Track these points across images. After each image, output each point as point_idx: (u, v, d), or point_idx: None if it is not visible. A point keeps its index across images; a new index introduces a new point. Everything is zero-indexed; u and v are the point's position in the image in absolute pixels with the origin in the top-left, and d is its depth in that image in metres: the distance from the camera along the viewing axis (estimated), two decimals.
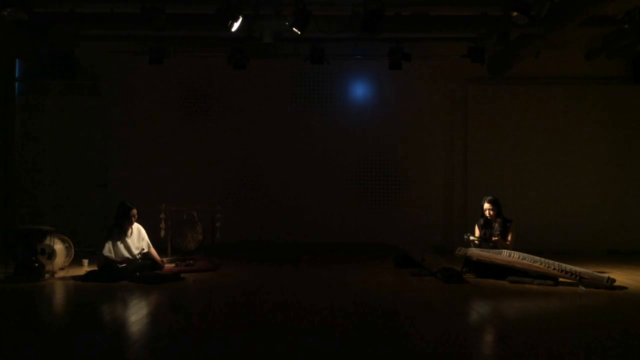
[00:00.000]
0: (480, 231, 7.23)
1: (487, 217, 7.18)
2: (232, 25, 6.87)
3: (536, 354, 3.98)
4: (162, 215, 7.87)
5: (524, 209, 9.43)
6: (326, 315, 5.08)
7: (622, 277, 6.95)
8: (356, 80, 9.83)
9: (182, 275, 6.86)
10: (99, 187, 9.55)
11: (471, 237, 7.09)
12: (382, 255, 8.50)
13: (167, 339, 4.34)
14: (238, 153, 9.78)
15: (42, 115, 9.63)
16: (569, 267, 6.44)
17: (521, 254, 6.72)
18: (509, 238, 7.04)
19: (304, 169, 9.76)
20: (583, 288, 6.19)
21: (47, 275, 6.72)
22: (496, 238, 7.00)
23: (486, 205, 7.15)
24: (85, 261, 7.31)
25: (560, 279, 6.44)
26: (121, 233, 6.96)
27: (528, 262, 6.58)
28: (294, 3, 6.64)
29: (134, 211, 7.01)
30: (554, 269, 6.45)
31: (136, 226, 7.12)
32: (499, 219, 7.14)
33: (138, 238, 7.10)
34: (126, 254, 6.91)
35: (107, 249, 6.80)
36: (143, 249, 7.12)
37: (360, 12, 6.78)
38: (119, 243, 6.91)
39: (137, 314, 5.21)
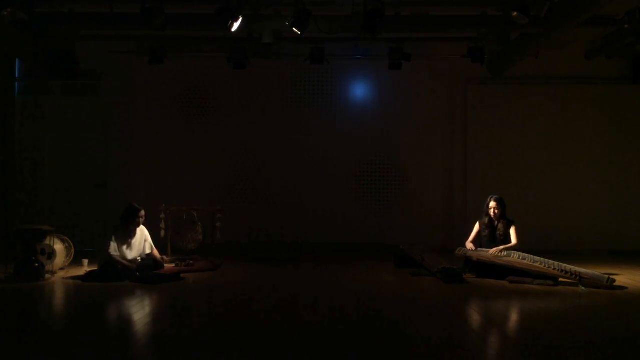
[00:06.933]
0: (482, 230, 7.10)
1: (491, 216, 7.06)
2: (232, 25, 6.86)
3: (536, 354, 3.98)
4: (162, 215, 7.88)
5: (524, 209, 9.39)
6: (326, 315, 5.08)
7: (622, 277, 6.95)
8: (356, 80, 9.83)
9: (182, 275, 6.86)
10: (98, 187, 9.54)
11: (467, 252, 7.02)
12: (382, 255, 8.49)
13: (167, 340, 4.34)
14: (238, 153, 9.77)
15: (42, 115, 9.62)
16: (569, 267, 6.44)
17: (521, 254, 6.72)
18: (515, 239, 6.89)
19: (304, 169, 9.76)
20: (583, 288, 6.19)
21: (47, 275, 6.71)
22: (493, 250, 6.83)
23: (492, 204, 6.99)
24: (85, 261, 7.30)
25: (560, 279, 6.44)
26: (126, 234, 6.96)
27: (528, 262, 6.59)
28: (294, 3, 6.64)
29: (142, 212, 7.01)
30: (554, 269, 6.45)
31: (140, 227, 7.11)
32: (503, 220, 7.03)
33: (141, 240, 7.10)
34: (128, 256, 6.90)
35: (113, 248, 6.79)
36: (145, 252, 7.12)
37: (360, 12, 6.77)
38: (122, 243, 6.91)
39: (137, 314, 5.22)
